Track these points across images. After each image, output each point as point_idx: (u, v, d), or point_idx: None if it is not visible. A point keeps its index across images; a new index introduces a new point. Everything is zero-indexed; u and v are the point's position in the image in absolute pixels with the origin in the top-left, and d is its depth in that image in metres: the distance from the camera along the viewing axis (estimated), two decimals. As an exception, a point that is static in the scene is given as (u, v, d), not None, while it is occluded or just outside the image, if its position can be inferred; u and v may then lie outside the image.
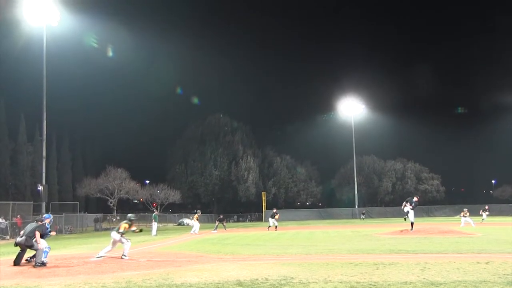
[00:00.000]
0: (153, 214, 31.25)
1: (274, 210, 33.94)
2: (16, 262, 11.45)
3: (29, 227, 11.76)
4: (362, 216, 55.85)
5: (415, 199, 21.38)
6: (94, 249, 15.66)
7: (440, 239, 17.58)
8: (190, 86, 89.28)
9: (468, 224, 28.44)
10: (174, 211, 67.75)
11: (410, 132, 79.93)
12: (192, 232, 29.02)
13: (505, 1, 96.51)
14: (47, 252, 11.69)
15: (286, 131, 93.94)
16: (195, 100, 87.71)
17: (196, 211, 35.79)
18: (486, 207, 38.17)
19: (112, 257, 12.40)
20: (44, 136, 38.95)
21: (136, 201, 66.66)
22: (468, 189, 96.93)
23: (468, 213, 29.97)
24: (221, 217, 37.29)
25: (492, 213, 56.51)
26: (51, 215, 14.36)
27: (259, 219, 69.18)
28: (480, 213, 36.38)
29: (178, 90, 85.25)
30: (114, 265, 10.90)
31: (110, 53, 64.10)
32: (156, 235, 27.61)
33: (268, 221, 34.30)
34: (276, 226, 32.15)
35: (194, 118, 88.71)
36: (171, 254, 13.97)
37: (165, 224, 54.63)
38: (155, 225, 29.00)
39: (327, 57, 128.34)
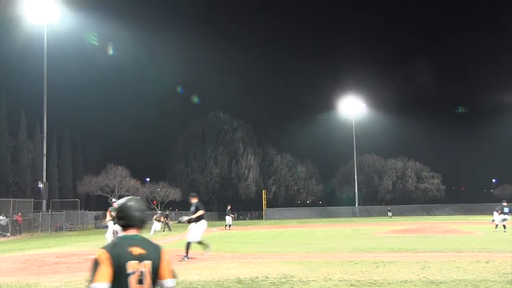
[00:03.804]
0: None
1: (229, 207, 31.08)
2: None
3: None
4: (389, 213, 55.60)
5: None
6: (94, 246, 15.68)
7: (440, 238, 17.59)
8: (191, 84, 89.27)
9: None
10: (174, 209, 67.79)
11: (410, 130, 79.86)
12: (151, 233, 24.63)
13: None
14: None
15: (286, 129, 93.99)
16: (195, 99, 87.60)
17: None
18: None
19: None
20: (45, 134, 39.02)
21: (136, 198, 66.58)
22: (469, 188, 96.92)
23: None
24: (167, 213, 34.03)
25: (491, 212, 56.34)
26: None
27: (260, 217, 69.34)
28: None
29: (179, 89, 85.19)
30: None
31: (111, 51, 64.02)
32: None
33: (225, 219, 30.73)
34: (230, 225, 29.61)
35: (194, 116, 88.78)
36: (171, 252, 13.96)
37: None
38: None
39: (328, 56, 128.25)
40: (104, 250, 2.64)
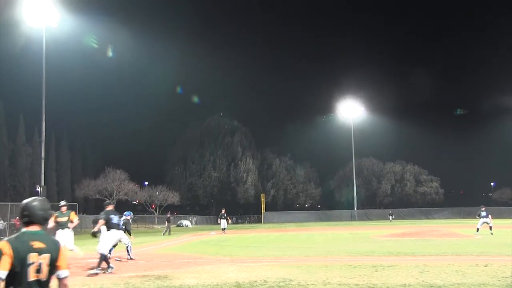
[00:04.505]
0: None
1: (223, 211, 31.17)
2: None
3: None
4: (390, 217, 55.36)
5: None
6: (92, 250, 15.61)
7: (439, 242, 17.59)
8: (190, 86, 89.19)
9: None
10: (172, 213, 67.73)
11: (409, 134, 79.89)
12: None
13: (505, 1, 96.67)
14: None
15: (285, 132, 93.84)
16: (195, 99, 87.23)
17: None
18: None
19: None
20: (43, 137, 38.83)
21: (135, 202, 66.60)
22: (467, 192, 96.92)
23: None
24: (168, 216, 34.92)
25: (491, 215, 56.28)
26: (131, 212, 13.99)
27: (258, 221, 69.18)
28: None
29: (178, 90, 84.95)
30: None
31: (110, 54, 63.82)
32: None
33: (220, 223, 30.97)
34: (224, 229, 29.86)
35: (193, 120, 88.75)
36: (170, 256, 13.93)
37: (164, 226, 54.61)
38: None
39: (327, 59, 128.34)
40: (6, 242, 3.00)
